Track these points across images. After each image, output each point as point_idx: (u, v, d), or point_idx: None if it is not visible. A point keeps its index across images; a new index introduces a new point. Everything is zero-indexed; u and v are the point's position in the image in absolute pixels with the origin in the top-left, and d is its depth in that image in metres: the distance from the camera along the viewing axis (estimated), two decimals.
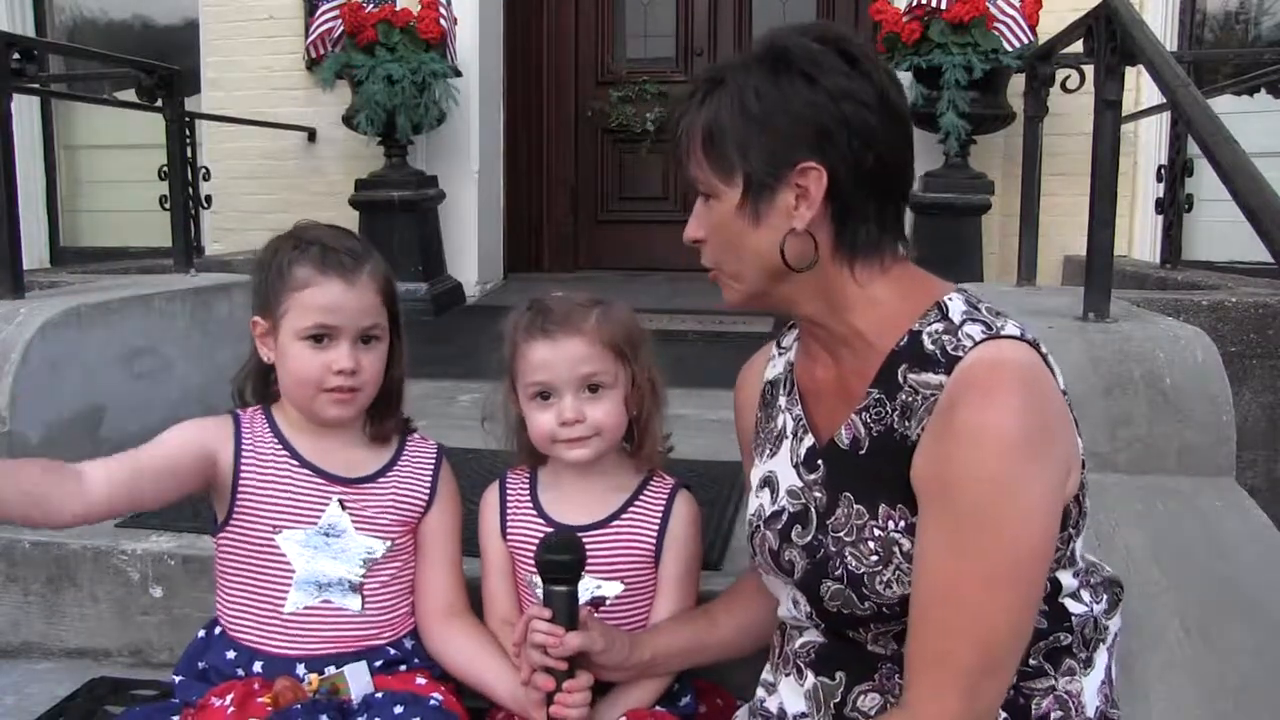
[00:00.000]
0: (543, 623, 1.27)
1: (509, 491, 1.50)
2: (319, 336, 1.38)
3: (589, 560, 1.40)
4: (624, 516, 1.45)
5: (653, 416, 1.45)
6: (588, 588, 1.42)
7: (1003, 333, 1.06)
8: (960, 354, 1.05)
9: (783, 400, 1.26)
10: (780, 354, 1.30)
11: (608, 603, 1.43)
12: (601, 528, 1.44)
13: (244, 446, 1.44)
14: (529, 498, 1.48)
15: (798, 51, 1.08)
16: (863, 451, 1.12)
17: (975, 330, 1.06)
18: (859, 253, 1.11)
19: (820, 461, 1.17)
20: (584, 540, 1.40)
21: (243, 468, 1.43)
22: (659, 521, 1.45)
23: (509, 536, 1.47)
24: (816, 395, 1.21)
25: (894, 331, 1.11)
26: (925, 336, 1.08)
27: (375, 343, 1.43)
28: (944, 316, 1.09)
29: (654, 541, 1.45)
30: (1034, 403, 1.01)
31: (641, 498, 1.47)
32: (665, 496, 1.47)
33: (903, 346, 1.09)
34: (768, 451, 1.26)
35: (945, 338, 1.07)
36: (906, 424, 1.07)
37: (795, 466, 1.20)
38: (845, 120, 1.06)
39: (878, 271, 1.12)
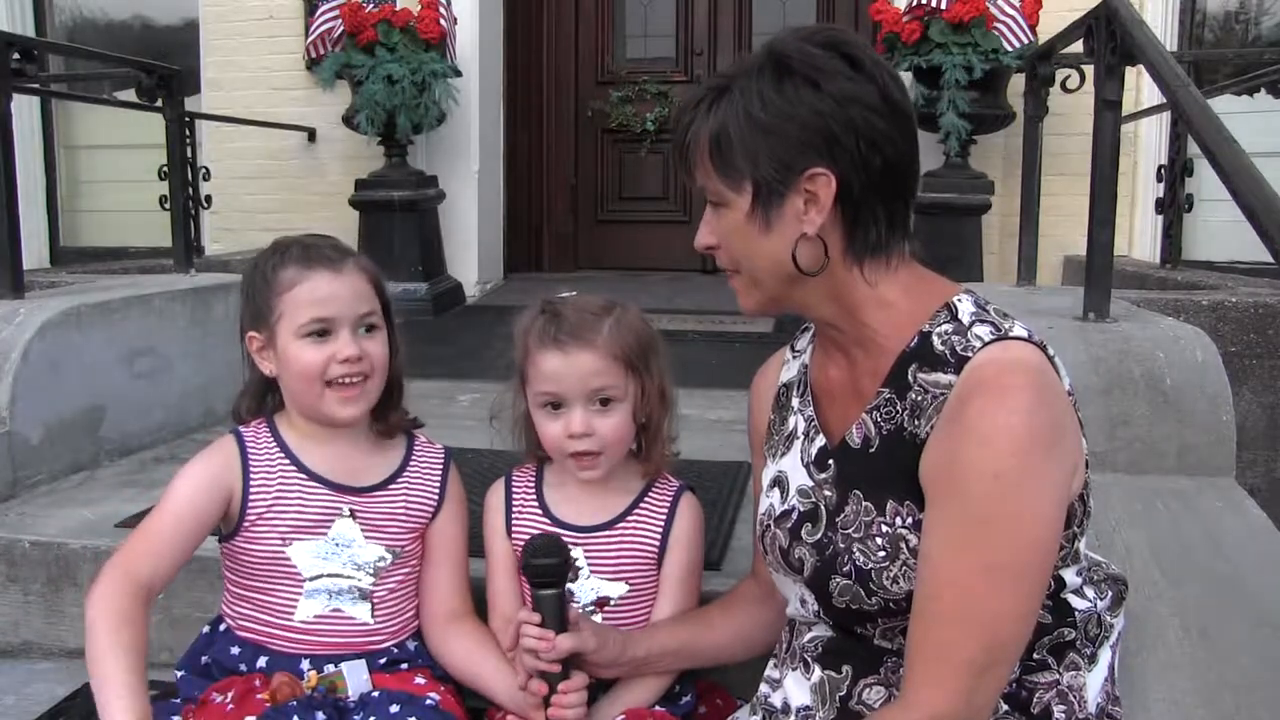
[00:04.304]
0: (533, 627, 1.28)
1: (514, 490, 1.50)
2: (318, 331, 1.37)
3: (594, 561, 1.41)
4: (629, 519, 1.45)
5: (661, 424, 1.45)
6: (593, 588, 1.42)
7: (1010, 334, 1.07)
8: (969, 354, 1.06)
9: (795, 402, 1.26)
10: (795, 357, 1.31)
11: (612, 603, 1.43)
12: (607, 529, 1.44)
13: (251, 465, 1.42)
14: (534, 497, 1.48)
15: (800, 57, 1.08)
16: (873, 450, 1.13)
17: (984, 331, 1.08)
18: (867, 253, 1.12)
19: (831, 461, 1.18)
20: (589, 541, 1.40)
21: (251, 486, 1.41)
22: (663, 524, 1.45)
23: (514, 536, 1.47)
24: (829, 396, 1.22)
25: (904, 333, 1.12)
26: (935, 337, 1.09)
27: (375, 331, 1.41)
28: (953, 317, 1.10)
29: (658, 543, 1.45)
30: (1042, 402, 1.02)
31: (646, 500, 1.47)
32: (670, 499, 1.47)
33: (913, 347, 1.11)
34: (779, 452, 1.26)
35: (955, 338, 1.08)
36: (916, 422, 1.08)
37: (806, 466, 1.21)
38: (852, 124, 1.06)
39: (885, 270, 1.13)
